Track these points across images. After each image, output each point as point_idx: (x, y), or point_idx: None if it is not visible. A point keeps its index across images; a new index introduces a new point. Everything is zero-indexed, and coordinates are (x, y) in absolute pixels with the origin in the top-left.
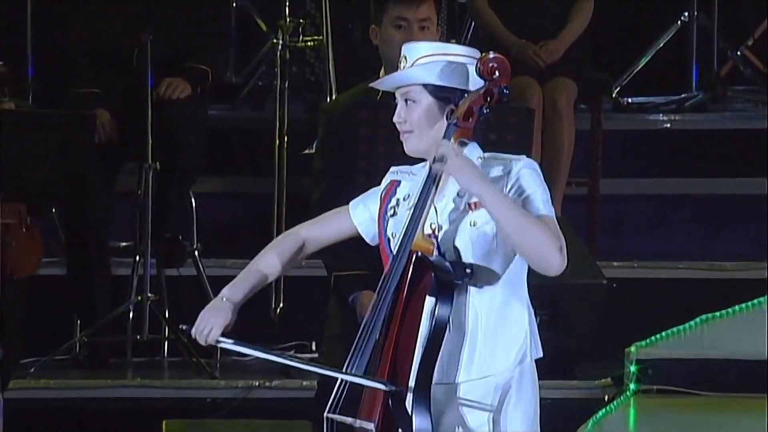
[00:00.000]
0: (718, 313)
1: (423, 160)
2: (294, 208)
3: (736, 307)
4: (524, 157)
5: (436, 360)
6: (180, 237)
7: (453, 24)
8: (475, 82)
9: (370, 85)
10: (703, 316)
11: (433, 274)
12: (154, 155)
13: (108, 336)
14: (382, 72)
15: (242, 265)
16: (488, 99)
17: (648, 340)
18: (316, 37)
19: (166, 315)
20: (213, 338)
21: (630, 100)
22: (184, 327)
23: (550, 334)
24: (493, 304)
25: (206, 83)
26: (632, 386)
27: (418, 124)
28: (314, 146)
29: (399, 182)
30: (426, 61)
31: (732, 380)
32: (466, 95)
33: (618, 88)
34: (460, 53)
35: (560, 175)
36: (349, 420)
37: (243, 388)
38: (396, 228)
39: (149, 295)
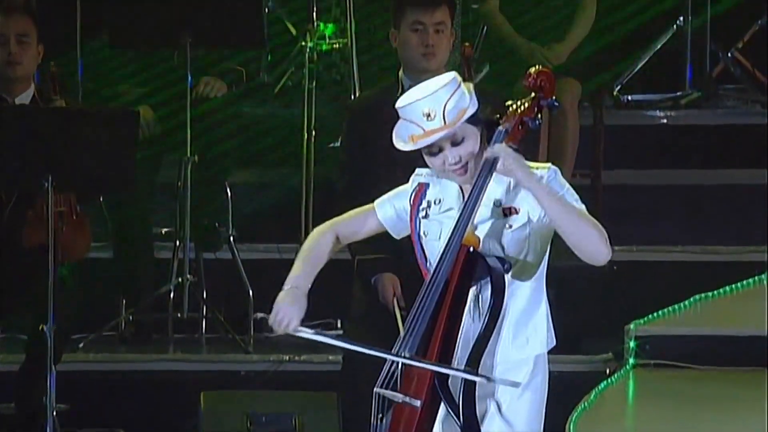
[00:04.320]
0: (710, 293)
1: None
2: (320, 197)
3: (727, 288)
4: (551, 165)
5: (485, 348)
6: (216, 224)
7: (466, 28)
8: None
9: (424, 150)
10: (697, 296)
11: (488, 267)
12: (193, 148)
13: (151, 314)
14: (400, 73)
15: (274, 249)
16: (537, 110)
17: (646, 318)
18: (341, 41)
19: (204, 295)
20: (293, 329)
21: (629, 98)
22: (260, 316)
23: (556, 313)
24: (521, 301)
25: (241, 82)
26: (631, 360)
27: (473, 155)
28: (339, 140)
29: (427, 185)
30: (452, 103)
31: (723, 354)
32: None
33: (618, 87)
34: (454, 79)
35: (565, 166)
36: (399, 396)
37: (274, 361)
38: (428, 228)
39: (188, 276)
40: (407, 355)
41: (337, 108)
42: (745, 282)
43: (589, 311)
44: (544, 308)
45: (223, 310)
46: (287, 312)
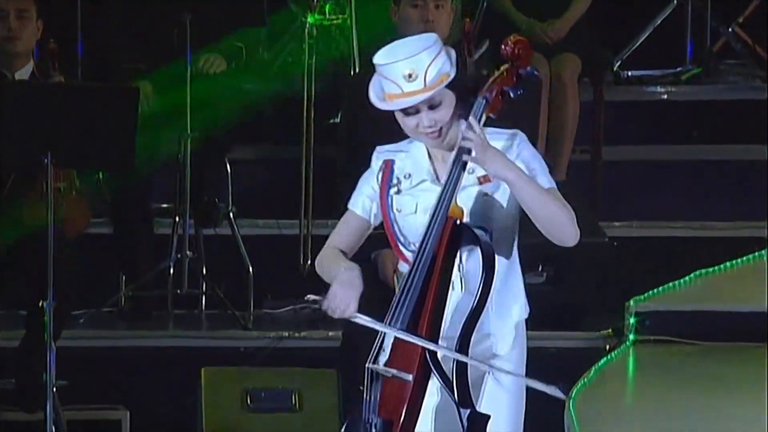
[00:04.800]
0: (711, 269)
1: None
2: (320, 172)
3: (727, 263)
4: (519, 131)
5: (478, 320)
6: (216, 199)
7: (466, 3)
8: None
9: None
10: (697, 272)
11: (476, 237)
12: (193, 125)
13: (150, 290)
14: None
15: (273, 225)
16: (517, 79)
17: (646, 294)
18: (340, 16)
19: (204, 271)
20: (350, 314)
21: (630, 74)
22: (313, 297)
23: (556, 289)
24: (501, 270)
25: (240, 59)
26: (631, 337)
27: (450, 121)
28: (339, 116)
29: (393, 161)
30: (435, 67)
31: (723, 330)
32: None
33: (619, 63)
34: (437, 42)
35: (565, 142)
36: (391, 371)
37: (274, 338)
38: (402, 203)
39: (188, 252)
40: (400, 327)
41: (336, 84)
42: (745, 258)
43: (588, 287)
44: (520, 275)
45: (222, 286)
46: (344, 296)
